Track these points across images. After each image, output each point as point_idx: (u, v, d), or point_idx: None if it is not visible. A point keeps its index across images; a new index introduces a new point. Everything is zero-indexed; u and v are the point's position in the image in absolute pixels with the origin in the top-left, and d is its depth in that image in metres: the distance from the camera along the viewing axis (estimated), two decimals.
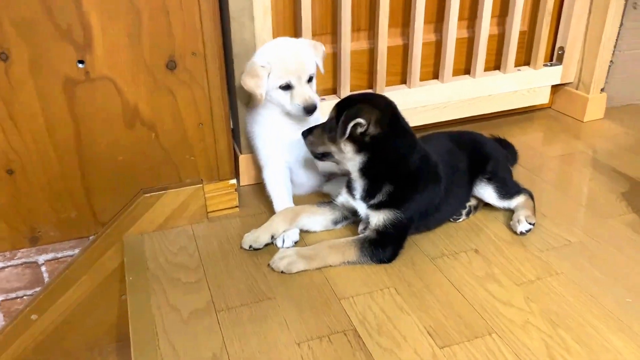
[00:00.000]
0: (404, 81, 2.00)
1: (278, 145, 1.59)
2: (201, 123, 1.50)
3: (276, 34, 1.71)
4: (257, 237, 1.46)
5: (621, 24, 2.09)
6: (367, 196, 1.40)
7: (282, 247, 1.46)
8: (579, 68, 2.16)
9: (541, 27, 2.05)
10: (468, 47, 2.05)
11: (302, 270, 1.38)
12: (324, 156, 1.44)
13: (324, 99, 1.87)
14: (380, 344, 1.16)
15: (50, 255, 1.55)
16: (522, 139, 2.03)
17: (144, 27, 1.35)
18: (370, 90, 1.93)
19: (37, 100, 1.35)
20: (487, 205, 1.60)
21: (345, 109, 1.34)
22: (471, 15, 2.01)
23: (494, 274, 1.36)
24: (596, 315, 1.23)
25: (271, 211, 1.60)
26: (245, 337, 1.19)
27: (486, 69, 2.07)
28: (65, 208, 1.49)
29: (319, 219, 1.52)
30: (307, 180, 1.66)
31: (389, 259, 1.40)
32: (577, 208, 1.63)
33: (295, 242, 1.48)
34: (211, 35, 1.42)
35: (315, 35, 1.78)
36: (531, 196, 1.58)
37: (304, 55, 1.51)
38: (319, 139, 1.43)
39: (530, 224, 1.49)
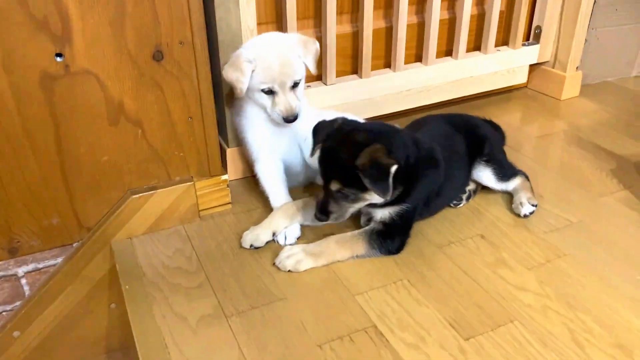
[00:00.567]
0: (387, 65, 1.95)
1: (269, 137, 1.52)
2: (190, 117, 1.41)
3: (260, 18, 1.62)
4: (258, 235, 1.39)
5: (595, 2, 2.11)
6: None
7: (285, 244, 1.39)
8: (555, 47, 2.17)
9: (520, 6, 2.05)
10: (449, 28, 2.02)
11: (309, 268, 1.32)
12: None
13: (309, 86, 1.81)
14: (404, 340, 1.13)
15: (30, 267, 1.43)
16: (504, 120, 2.02)
17: (127, 15, 1.25)
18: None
19: (12, 99, 1.22)
20: (484, 189, 1.59)
21: (349, 161, 1.21)
22: None
23: (504, 259, 1.35)
24: (610, 295, 1.23)
25: (266, 206, 1.53)
26: (262, 342, 1.13)
27: (466, 50, 2.04)
28: (47, 214, 1.37)
29: None
30: (302, 170, 1.59)
31: (398, 249, 1.36)
32: (571, 187, 1.64)
33: (297, 239, 1.42)
34: (199, 23, 1.32)
35: (298, 19, 1.70)
36: (527, 177, 1.58)
37: (292, 58, 1.42)
38: (343, 209, 1.31)
39: (533, 205, 1.48)
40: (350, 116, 1.63)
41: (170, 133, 1.41)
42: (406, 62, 1.96)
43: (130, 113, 1.34)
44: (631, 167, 1.74)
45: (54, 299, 1.43)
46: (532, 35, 2.17)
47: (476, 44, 2.10)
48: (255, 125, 1.51)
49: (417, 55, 2.00)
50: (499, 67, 2.10)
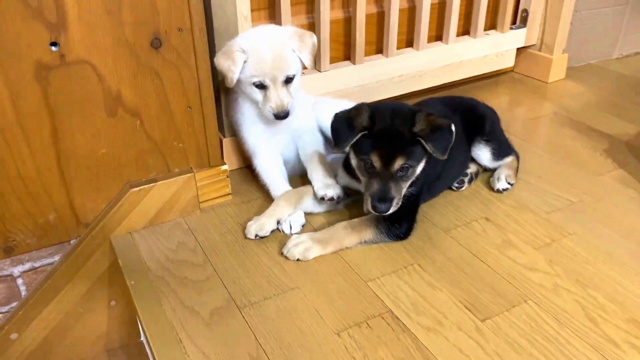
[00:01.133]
0: (379, 50, 1.94)
1: (264, 133, 1.50)
2: (189, 106, 1.37)
3: (253, 5, 1.59)
4: (263, 224, 1.36)
5: None
6: None
7: (290, 233, 1.37)
8: (541, 30, 2.19)
9: None
10: (439, 13, 2.01)
11: (318, 256, 1.30)
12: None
13: (303, 74, 1.77)
14: (422, 324, 1.12)
15: (27, 266, 1.37)
16: (494, 103, 2.00)
17: (124, 1, 1.20)
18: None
19: (6, 91, 1.16)
20: (486, 171, 1.59)
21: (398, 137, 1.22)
22: None
23: (511, 240, 1.35)
24: (618, 271, 1.25)
25: (266, 196, 1.51)
26: (278, 332, 1.11)
27: (456, 35, 2.04)
28: (43, 211, 1.32)
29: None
30: (297, 163, 1.56)
31: (406, 233, 1.35)
32: (568, 168, 1.66)
33: (302, 226, 1.40)
34: (198, 8, 1.28)
35: (291, 5, 1.67)
36: (517, 157, 1.60)
37: (285, 52, 1.38)
38: (401, 191, 1.27)
39: (509, 183, 1.52)
40: (348, 102, 1.62)
41: (169, 123, 1.37)
42: (398, 48, 1.95)
43: (128, 104, 1.30)
44: (623, 146, 1.77)
45: (52, 299, 1.38)
46: (519, 19, 2.19)
47: (465, 29, 2.10)
48: (250, 122, 1.49)
49: (407, 40, 1.99)
50: (488, 51, 2.11)
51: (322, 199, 1.40)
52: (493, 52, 2.13)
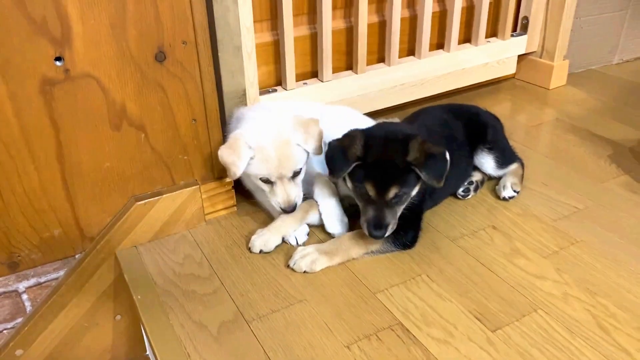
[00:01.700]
0: (380, 60, 1.94)
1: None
2: (194, 119, 1.37)
3: (256, 16, 1.59)
4: (267, 240, 1.36)
5: None
6: None
7: (297, 244, 1.37)
8: (542, 36, 2.19)
9: None
10: (440, 21, 2.01)
11: (325, 268, 1.30)
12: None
13: (305, 83, 1.78)
14: (432, 336, 1.11)
15: (32, 281, 1.37)
16: (497, 110, 2.01)
17: (128, 14, 1.20)
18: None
19: (10, 106, 1.16)
20: (491, 179, 1.59)
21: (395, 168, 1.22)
22: None
23: (519, 249, 1.35)
24: (627, 279, 1.24)
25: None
26: (288, 346, 1.10)
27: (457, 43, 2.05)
28: (48, 226, 1.31)
29: None
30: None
31: (412, 242, 1.35)
32: (572, 174, 1.65)
33: (307, 234, 1.40)
34: (202, 21, 1.28)
35: (293, 16, 1.67)
36: (522, 165, 1.59)
37: (292, 150, 1.33)
38: (396, 216, 1.28)
39: (515, 191, 1.51)
40: (352, 111, 1.62)
41: (174, 136, 1.36)
42: (399, 57, 1.95)
43: (133, 117, 1.29)
44: (627, 152, 1.77)
45: (57, 314, 1.37)
46: (520, 26, 2.19)
47: (466, 36, 2.10)
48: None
49: (409, 49, 1.99)
50: (489, 58, 2.11)
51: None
52: (494, 60, 2.13)
